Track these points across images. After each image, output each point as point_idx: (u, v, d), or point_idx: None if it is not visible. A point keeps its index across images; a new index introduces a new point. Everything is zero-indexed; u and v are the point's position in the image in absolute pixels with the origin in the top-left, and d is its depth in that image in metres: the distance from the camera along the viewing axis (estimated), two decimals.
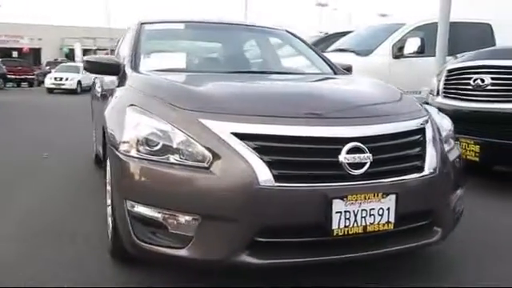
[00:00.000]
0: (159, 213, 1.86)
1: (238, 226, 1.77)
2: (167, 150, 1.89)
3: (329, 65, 3.30)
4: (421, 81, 5.64)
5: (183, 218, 1.82)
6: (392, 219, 1.87)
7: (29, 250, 2.52)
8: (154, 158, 1.90)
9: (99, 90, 3.68)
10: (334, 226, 1.79)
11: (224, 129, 1.84)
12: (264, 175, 1.75)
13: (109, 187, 2.47)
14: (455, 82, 4.04)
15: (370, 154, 1.87)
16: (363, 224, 1.83)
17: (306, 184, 1.79)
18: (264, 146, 1.80)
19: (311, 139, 1.86)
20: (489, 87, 3.68)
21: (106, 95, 3.13)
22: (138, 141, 1.95)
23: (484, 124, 3.69)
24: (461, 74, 3.99)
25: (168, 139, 1.90)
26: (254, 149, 1.79)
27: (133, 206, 1.91)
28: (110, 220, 2.37)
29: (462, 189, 2.28)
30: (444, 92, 4.15)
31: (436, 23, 6.77)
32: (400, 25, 6.81)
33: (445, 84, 4.17)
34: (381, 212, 1.85)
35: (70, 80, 21.80)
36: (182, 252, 1.83)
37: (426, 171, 1.99)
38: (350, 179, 1.83)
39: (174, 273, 2.21)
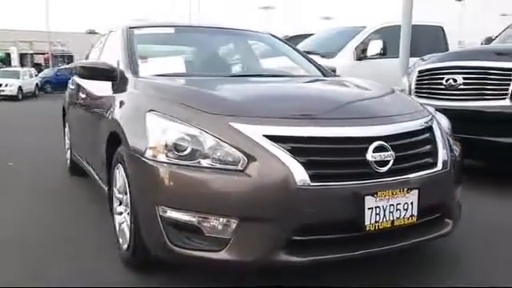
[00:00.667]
0: (194, 217, 1.87)
1: (276, 226, 1.82)
2: (197, 154, 1.90)
3: (317, 67, 3.41)
4: (384, 82, 5.87)
5: (220, 221, 1.84)
6: (415, 213, 1.99)
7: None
8: (185, 162, 1.91)
9: (83, 96, 3.57)
10: (367, 221, 1.87)
11: (256, 132, 1.88)
12: (300, 175, 1.81)
13: (119, 194, 2.44)
14: (427, 82, 4.27)
15: (393, 152, 1.97)
16: (391, 218, 1.93)
17: (339, 182, 1.86)
18: (297, 147, 1.86)
19: (340, 139, 1.94)
20: (461, 86, 3.92)
21: (99, 102, 3.05)
22: (166, 146, 1.95)
23: (456, 121, 3.91)
24: (433, 75, 4.22)
25: (198, 143, 1.91)
26: (287, 150, 1.84)
27: (165, 212, 1.91)
28: (124, 228, 2.34)
29: (461, 183, 2.44)
30: (416, 91, 4.37)
31: (394, 26, 7.10)
32: (360, 28, 7.07)
33: (416, 84, 4.39)
34: (406, 206, 1.96)
35: (10, 86, 20.76)
36: (220, 255, 1.85)
37: (439, 167, 2.12)
38: (377, 176, 1.92)
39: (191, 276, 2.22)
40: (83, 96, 3.56)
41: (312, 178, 1.82)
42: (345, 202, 1.86)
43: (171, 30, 3.39)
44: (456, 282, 2.18)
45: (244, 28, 3.77)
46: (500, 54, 3.92)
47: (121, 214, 2.46)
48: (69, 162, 4.63)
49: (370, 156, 1.93)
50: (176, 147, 1.93)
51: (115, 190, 2.52)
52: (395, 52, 6.65)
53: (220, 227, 1.85)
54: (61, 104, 4.95)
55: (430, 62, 4.39)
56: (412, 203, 1.97)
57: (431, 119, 2.32)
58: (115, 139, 2.43)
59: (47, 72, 28.39)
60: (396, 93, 2.60)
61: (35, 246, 2.68)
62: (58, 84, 25.85)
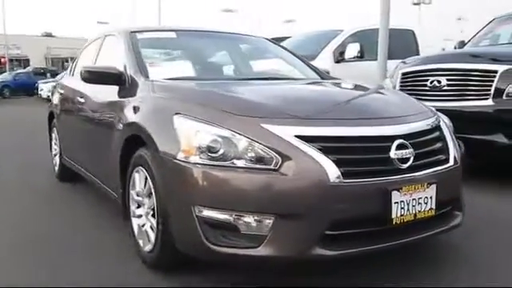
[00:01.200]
0: (230, 215, 1.93)
1: (311, 222, 1.91)
2: (231, 155, 1.97)
3: (313, 69, 3.53)
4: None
5: (256, 219, 1.92)
6: (434, 206, 2.12)
7: None
8: (219, 163, 1.97)
9: (81, 101, 3.54)
10: (394, 215, 1.99)
11: (288, 132, 1.97)
12: (333, 173, 1.90)
13: (138, 197, 2.46)
14: (411, 84, 4.47)
15: (412, 149, 2.11)
16: (414, 212, 2.06)
17: (368, 179, 1.97)
18: (327, 146, 1.96)
19: (366, 138, 2.06)
20: (445, 88, 4.14)
21: (105, 107, 3.04)
22: (199, 148, 2.00)
23: None
24: (417, 77, 4.43)
25: (231, 145, 1.98)
26: (318, 149, 1.94)
27: (201, 211, 1.96)
28: (147, 229, 2.37)
29: None
30: None
31: (369, 30, 7.37)
32: (337, 31, 7.29)
33: (401, 85, 4.59)
34: (426, 200, 2.09)
35: None
36: (257, 251, 1.92)
37: (451, 162, 2.27)
38: (400, 173, 2.05)
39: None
40: (81, 101, 3.52)
41: (343, 175, 1.92)
42: (373, 197, 1.98)
43: (173, 34, 3.42)
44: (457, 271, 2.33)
45: (240, 32, 3.84)
46: (481, 57, 4.16)
47: (140, 216, 2.49)
48: (57, 168, 4.56)
49: (393, 153, 2.05)
50: (209, 149, 1.99)
51: (133, 193, 2.54)
52: (371, 55, 6.90)
53: (256, 225, 1.92)
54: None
55: (413, 64, 4.60)
56: (431, 197, 2.11)
57: (438, 119, 2.47)
58: (135, 143, 2.46)
59: (5, 76, 27.42)
60: (402, 94, 2.75)
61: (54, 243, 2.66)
62: (16, 88, 25.12)
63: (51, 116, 4.76)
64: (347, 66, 6.71)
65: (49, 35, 50.58)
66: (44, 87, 19.54)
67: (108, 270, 2.41)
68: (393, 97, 2.68)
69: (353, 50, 6.71)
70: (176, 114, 2.17)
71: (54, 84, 5.33)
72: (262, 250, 1.91)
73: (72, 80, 4.27)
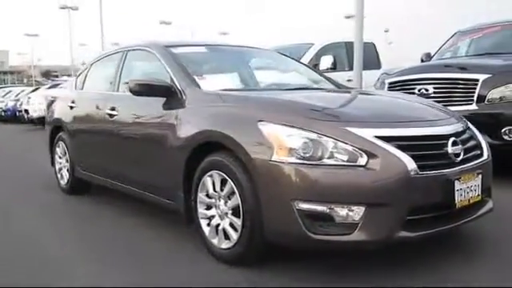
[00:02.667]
0: (326, 207, 2.22)
1: (396, 209, 2.24)
2: (321, 154, 2.26)
3: (327, 79, 3.90)
4: None
5: (349, 209, 2.21)
6: (480, 193, 2.54)
7: None
8: (311, 162, 2.25)
9: (113, 113, 3.64)
10: (456, 200, 2.38)
11: (369, 134, 2.29)
12: (411, 167, 2.25)
13: (209, 199, 2.68)
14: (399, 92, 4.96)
15: (461, 146, 2.51)
16: (468, 197, 2.45)
17: (436, 171, 2.34)
18: (401, 144, 2.30)
19: (430, 137, 2.43)
20: (432, 95, 4.65)
21: (153, 118, 3.19)
22: (292, 149, 2.27)
23: None
24: (404, 85, 4.92)
25: (321, 145, 2.27)
26: (397, 147, 2.28)
27: (300, 205, 2.23)
28: (225, 227, 2.58)
29: None
30: None
31: (337, 43, 7.94)
32: (308, 45, 7.77)
33: None
34: (475, 188, 2.50)
35: None
36: (351, 237, 2.21)
37: (485, 156, 2.70)
38: (456, 165, 2.44)
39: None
40: (114, 113, 3.61)
41: (418, 168, 2.27)
42: (441, 186, 2.35)
43: (203, 49, 3.66)
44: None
45: (254, 46, 4.14)
46: (463, 67, 4.73)
47: (211, 217, 2.70)
48: (64, 181, 4.57)
49: (450, 149, 2.44)
50: (301, 149, 2.26)
51: (201, 196, 2.74)
52: (340, 66, 7.45)
53: (349, 214, 2.22)
54: None
55: (399, 74, 5.10)
56: (478, 185, 2.52)
57: (466, 120, 2.90)
58: (202, 150, 2.68)
59: None
60: (426, 100, 3.17)
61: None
62: None
63: (55, 131, 4.76)
64: None
65: None
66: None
67: (186, 272, 2.57)
68: (424, 102, 3.09)
69: (327, 61, 7.19)
70: (260, 121, 2.42)
71: (50, 99, 5.29)
72: (354, 236, 2.21)
73: (87, 93, 4.36)
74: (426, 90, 4.70)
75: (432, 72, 4.78)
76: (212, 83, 3.16)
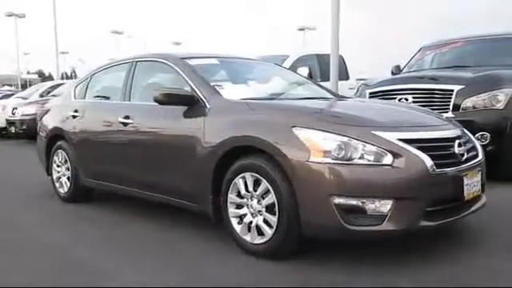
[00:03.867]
0: (359, 201, 2.52)
1: (418, 202, 2.57)
2: (353, 155, 2.56)
3: (324, 89, 4.25)
4: None
5: (379, 202, 2.53)
6: (480, 188, 2.93)
7: None
8: (345, 162, 2.55)
9: (129, 121, 3.78)
10: (465, 194, 2.75)
11: (393, 137, 2.63)
12: (430, 165, 2.60)
13: (241, 199, 2.92)
14: None
15: (464, 147, 2.90)
16: (472, 191, 2.84)
17: (448, 168, 2.70)
18: (420, 145, 2.65)
19: (441, 139, 2.80)
20: (411, 104, 5.10)
21: (176, 126, 3.39)
22: (327, 151, 2.57)
23: None
24: (385, 95, 5.36)
25: (352, 148, 2.57)
26: (417, 148, 2.63)
27: (337, 199, 2.52)
28: (259, 224, 2.82)
29: None
30: None
31: (309, 55, 8.37)
32: (284, 56, 8.15)
33: None
34: (476, 183, 2.89)
35: None
36: (381, 227, 2.53)
37: (480, 156, 3.10)
38: (462, 163, 2.82)
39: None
40: (129, 122, 3.74)
41: (435, 166, 2.62)
42: (453, 182, 2.72)
43: (215, 61, 3.90)
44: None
45: (257, 58, 4.43)
46: (438, 79, 5.22)
47: (242, 216, 2.93)
48: (67, 189, 4.62)
49: (456, 150, 2.82)
50: (335, 151, 2.56)
51: (232, 196, 2.97)
52: (314, 77, 7.88)
53: (379, 206, 2.53)
54: None
55: (379, 85, 5.54)
56: (478, 181, 2.92)
57: (461, 125, 3.31)
58: (232, 154, 2.92)
59: None
60: (424, 109, 3.57)
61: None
62: None
63: (53, 140, 4.80)
64: None
65: None
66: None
67: (223, 269, 2.79)
68: (423, 110, 3.48)
69: (303, 72, 7.55)
70: (293, 126, 2.70)
71: (43, 110, 5.30)
72: (384, 226, 2.53)
73: (93, 103, 4.48)
74: (406, 100, 5.14)
75: (411, 83, 5.25)
76: (230, 92, 3.40)
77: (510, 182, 4.68)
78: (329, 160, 2.56)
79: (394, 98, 5.24)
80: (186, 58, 3.73)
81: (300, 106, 3.15)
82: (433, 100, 5.02)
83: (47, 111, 5.13)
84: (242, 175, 2.91)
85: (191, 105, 3.32)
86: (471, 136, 3.26)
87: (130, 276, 2.66)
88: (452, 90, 4.94)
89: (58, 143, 4.72)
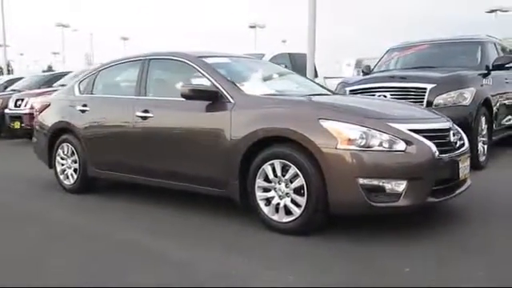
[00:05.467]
0: (379, 182, 2.99)
1: (427, 182, 3.08)
2: (373, 142, 3.02)
3: (320, 85, 4.71)
4: None
5: (396, 182, 3.00)
6: (468, 171, 3.49)
7: None
8: (366, 148, 3.01)
9: (148, 115, 4.05)
10: (460, 175, 3.30)
11: (404, 127, 3.11)
12: (435, 151, 3.11)
13: (268, 184, 3.31)
14: None
15: (456, 136, 3.44)
16: (464, 173, 3.39)
17: (447, 154, 3.23)
18: (426, 135, 3.15)
19: (441, 129, 3.32)
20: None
21: (200, 119, 3.73)
22: (351, 139, 3.02)
23: None
24: (364, 93, 5.89)
25: (372, 136, 3.03)
26: (424, 137, 3.13)
27: (362, 180, 2.97)
28: (287, 204, 3.22)
29: None
30: None
31: (282, 54, 8.85)
32: (260, 55, 8.56)
33: None
34: (467, 167, 3.45)
35: None
36: (397, 203, 3.01)
37: (467, 145, 3.66)
38: (456, 150, 3.36)
39: None
40: (149, 116, 4.02)
41: (439, 152, 3.14)
42: (451, 165, 3.25)
43: (227, 60, 4.26)
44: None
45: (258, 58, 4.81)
46: (412, 78, 5.82)
47: (269, 198, 3.32)
48: (73, 181, 4.80)
49: (451, 138, 3.36)
50: (358, 139, 3.01)
51: (260, 181, 3.36)
52: None
53: (395, 186, 3.01)
54: None
55: (359, 83, 6.08)
56: (468, 165, 3.47)
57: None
58: (259, 144, 3.31)
59: None
60: (416, 105, 4.12)
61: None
62: None
63: (56, 134, 4.96)
64: None
65: None
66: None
67: (260, 244, 3.20)
68: (417, 107, 4.02)
69: None
70: (320, 118, 3.13)
71: (43, 105, 5.40)
72: (400, 202, 3.01)
73: (103, 97, 4.70)
74: (385, 97, 5.70)
75: (387, 82, 5.82)
76: (249, 88, 3.78)
77: (476, 170, 5.34)
78: (354, 147, 3.01)
79: (373, 95, 5.79)
80: (202, 57, 4.06)
81: (321, 101, 3.59)
82: (408, 97, 5.59)
83: (47, 106, 5.25)
84: (270, 162, 3.30)
85: (214, 100, 3.66)
86: (458, 128, 3.82)
87: (182, 253, 3.00)
88: (425, 89, 5.55)
89: (64, 137, 4.88)
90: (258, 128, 3.37)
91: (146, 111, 4.09)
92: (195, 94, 3.65)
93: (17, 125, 9.50)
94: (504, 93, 6.61)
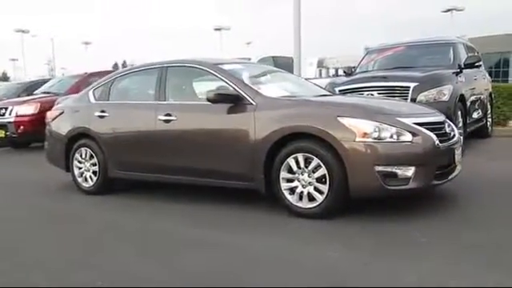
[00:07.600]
0: (392, 168, 3.49)
1: (431, 167, 3.60)
2: (385, 135, 3.52)
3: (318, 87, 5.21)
4: None
5: (406, 168, 3.51)
6: (460, 158, 4.05)
7: None
8: (380, 140, 3.51)
9: (172, 118, 4.42)
10: (456, 161, 3.85)
11: (410, 121, 3.63)
12: (436, 141, 3.64)
13: (291, 175, 3.76)
14: None
15: (450, 128, 4.00)
16: (458, 159, 3.94)
17: (445, 143, 3.77)
18: (428, 127, 3.68)
19: (437, 122, 3.87)
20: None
21: (224, 120, 4.14)
22: (367, 133, 3.51)
23: None
24: (354, 92, 6.43)
25: (384, 130, 3.53)
26: (427, 129, 3.66)
27: (378, 168, 3.47)
28: (311, 192, 3.69)
29: None
30: None
31: (267, 57, 9.35)
32: (247, 58, 9.01)
33: None
34: (459, 154, 4.00)
35: None
36: (407, 186, 3.52)
37: (457, 136, 4.21)
38: (451, 139, 3.91)
39: None
40: (172, 119, 4.39)
41: (439, 141, 3.67)
42: (449, 153, 3.79)
43: (239, 66, 4.69)
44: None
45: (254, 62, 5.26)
46: (396, 78, 6.40)
47: (293, 188, 3.78)
48: (92, 183, 5.10)
49: (447, 130, 3.91)
50: (373, 133, 3.51)
51: (284, 173, 3.80)
52: None
53: (405, 171, 3.52)
54: None
55: (347, 84, 6.62)
56: (459, 153, 4.03)
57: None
58: (283, 140, 3.76)
59: None
60: (411, 103, 4.66)
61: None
62: None
63: (73, 140, 5.25)
64: None
65: None
66: None
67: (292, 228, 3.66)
68: (412, 103, 4.56)
69: None
70: (338, 116, 3.61)
71: (56, 113, 5.64)
72: (410, 185, 3.52)
73: (123, 103, 5.03)
74: (372, 95, 6.26)
75: (374, 82, 6.38)
76: (266, 91, 4.22)
77: None
78: (369, 139, 3.51)
79: (362, 94, 6.34)
80: (218, 64, 4.47)
81: (336, 101, 4.08)
82: (394, 95, 6.18)
83: (60, 114, 5.52)
84: (294, 156, 3.75)
85: (236, 102, 4.08)
86: (449, 121, 4.39)
87: (225, 238, 3.42)
88: (409, 87, 6.14)
89: (81, 141, 5.17)
90: (282, 126, 3.81)
91: (168, 115, 4.46)
92: (220, 98, 4.06)
93: (1, 133, 9.47)
94: (473, 88, 7.31)
